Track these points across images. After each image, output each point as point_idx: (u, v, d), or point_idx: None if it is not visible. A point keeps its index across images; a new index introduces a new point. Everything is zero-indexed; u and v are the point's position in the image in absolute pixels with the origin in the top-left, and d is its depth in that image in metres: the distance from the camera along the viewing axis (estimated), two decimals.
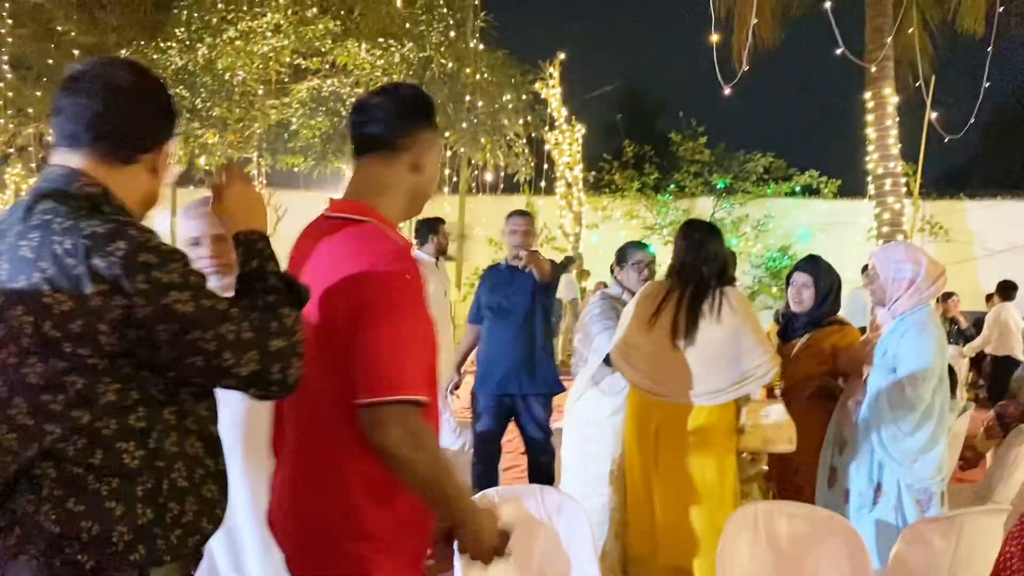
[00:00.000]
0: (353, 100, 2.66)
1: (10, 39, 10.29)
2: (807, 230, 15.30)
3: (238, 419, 2.12)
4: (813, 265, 3.72)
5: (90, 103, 1.43)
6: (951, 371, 3.57)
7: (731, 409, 3.23)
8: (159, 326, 1.32)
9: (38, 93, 10.41)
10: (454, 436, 5.52)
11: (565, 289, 12.86)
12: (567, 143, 14.91)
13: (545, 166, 15.03)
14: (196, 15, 10.70)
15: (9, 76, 10.43)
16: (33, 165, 11.32)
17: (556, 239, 15.21)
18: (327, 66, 11.02)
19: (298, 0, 10.85)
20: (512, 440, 4.87)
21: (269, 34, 10.60)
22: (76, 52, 10.55)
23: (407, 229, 6.96)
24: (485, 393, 4.45)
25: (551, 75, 14.32)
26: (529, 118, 12.72)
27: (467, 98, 11.32)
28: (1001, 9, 11.32)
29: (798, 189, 15.64)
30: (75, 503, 1.34)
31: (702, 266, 3.25)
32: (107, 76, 1.45)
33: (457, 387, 4.89)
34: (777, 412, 3.29)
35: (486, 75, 11.58)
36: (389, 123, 1.72)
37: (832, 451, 3.37)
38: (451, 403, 5.31)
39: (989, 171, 24.39)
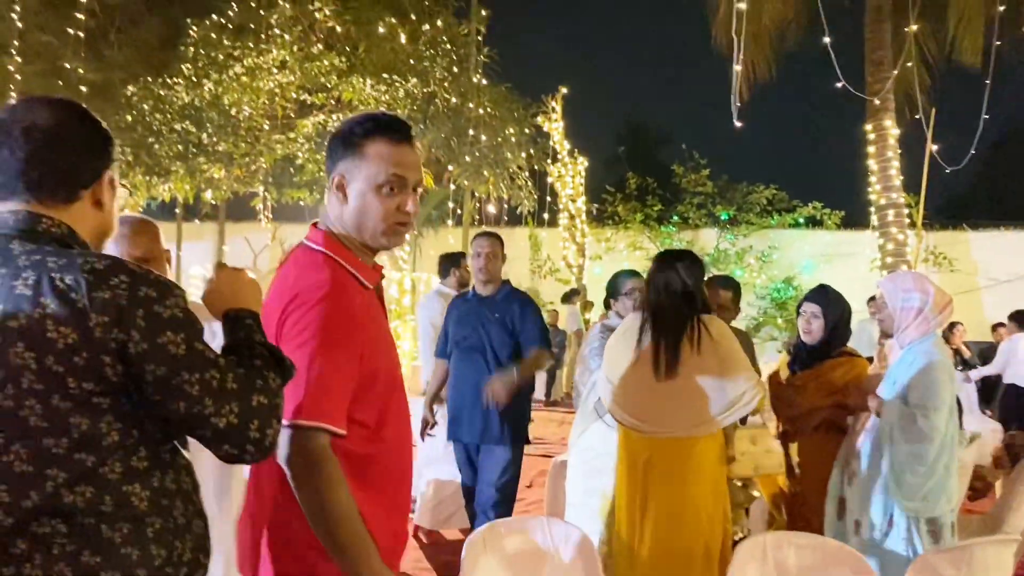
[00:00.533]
0: None
1: (19, 76, 10.45)
2: (811, 261, 15.36)
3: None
4: (822, 295, 3.70)
5: (13, 153, 1.38)
6: (958, 401, 3.55)
7: (719, 438, 3.22)
8: (149, 365, 1.30)
9: None
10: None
11: (569, 321, 12.90)
12: (570, 176, 15.02)
13: (548, 198, 15.15)
14: (203, 52, 10.88)
15: None
16: None
17: (560, 271, 15.25)
18: (332, 101, 11.15)
19: (304, 37, 11.02)
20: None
21: (275, 70, 10.77)
22: (84, 89, 10.72)
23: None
24: (457, 446, 4.17)
25: (553, 109, 14.49)
26: (532, 151, 12.83)
27: (470, 132, 11.43)
28: (998, 43, 11.43)
29: (801, 220, 15.73)
30: (91, 555, 1.30)
31: (674, 298, 3.22)
32: (25, 121, 1.39)
33: (430, 427, 4.37)
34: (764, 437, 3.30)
35: (489, 109, 11.70)
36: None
37: (842, 481, 3.35)
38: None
39: (991, 201, 24.47)
